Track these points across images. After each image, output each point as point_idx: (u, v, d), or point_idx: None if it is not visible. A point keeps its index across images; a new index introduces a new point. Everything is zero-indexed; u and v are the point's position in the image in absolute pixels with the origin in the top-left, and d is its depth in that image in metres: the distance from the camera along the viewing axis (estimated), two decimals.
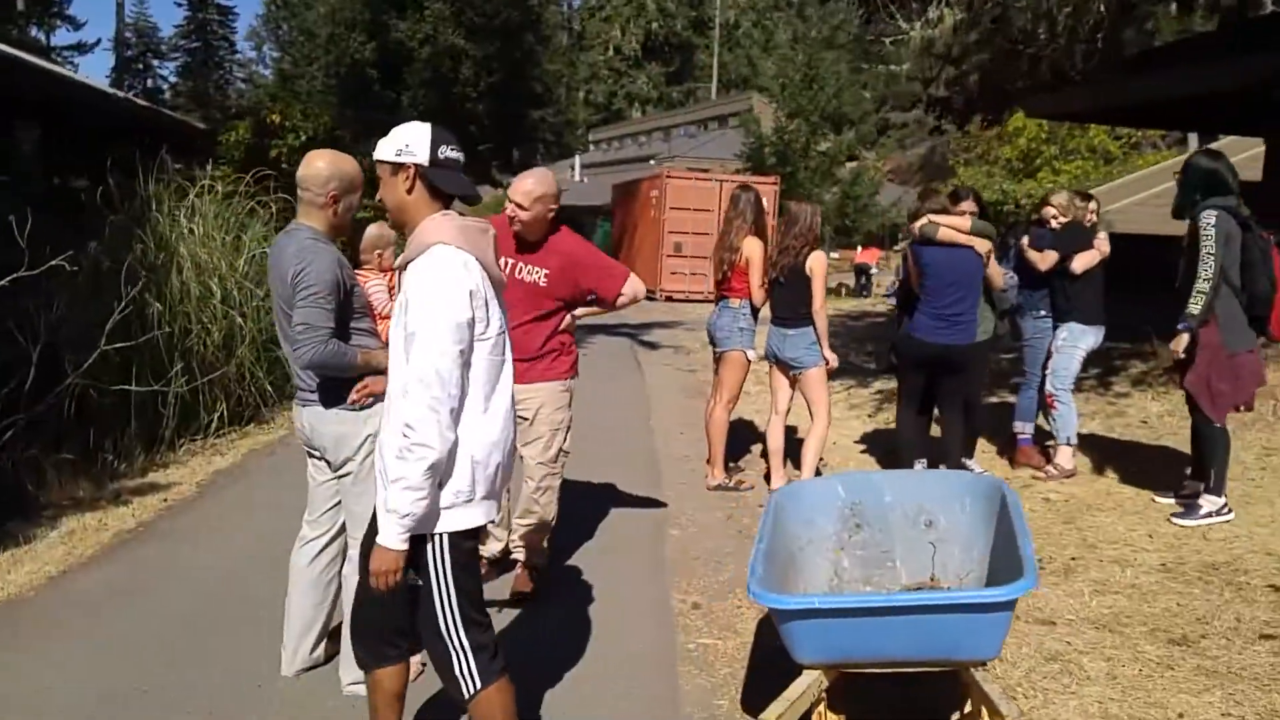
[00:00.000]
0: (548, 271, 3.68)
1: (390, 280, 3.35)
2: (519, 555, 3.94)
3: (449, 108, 21.08)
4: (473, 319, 2.10)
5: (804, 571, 2.83)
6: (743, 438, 6.58)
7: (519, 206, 3.60)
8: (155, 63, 58.20)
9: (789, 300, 5.08)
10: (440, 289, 2.08)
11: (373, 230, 3.40)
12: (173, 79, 57.80)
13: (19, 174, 11.76)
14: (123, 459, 6.07)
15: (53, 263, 5.22)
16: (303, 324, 2.77)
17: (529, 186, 3.61)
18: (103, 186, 7.17)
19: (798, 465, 5.44)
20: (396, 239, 3.34)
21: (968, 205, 5.07)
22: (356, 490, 2.98)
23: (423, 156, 2.19)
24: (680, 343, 12.62)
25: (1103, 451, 5.78)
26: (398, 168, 2.21)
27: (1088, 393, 6.96)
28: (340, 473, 3.02)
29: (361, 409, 2.95)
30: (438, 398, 2.03)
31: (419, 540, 2.16)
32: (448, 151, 2.22)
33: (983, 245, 4.74)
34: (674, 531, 4.78)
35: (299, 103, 14.61)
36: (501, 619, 3.64)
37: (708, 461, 5.90)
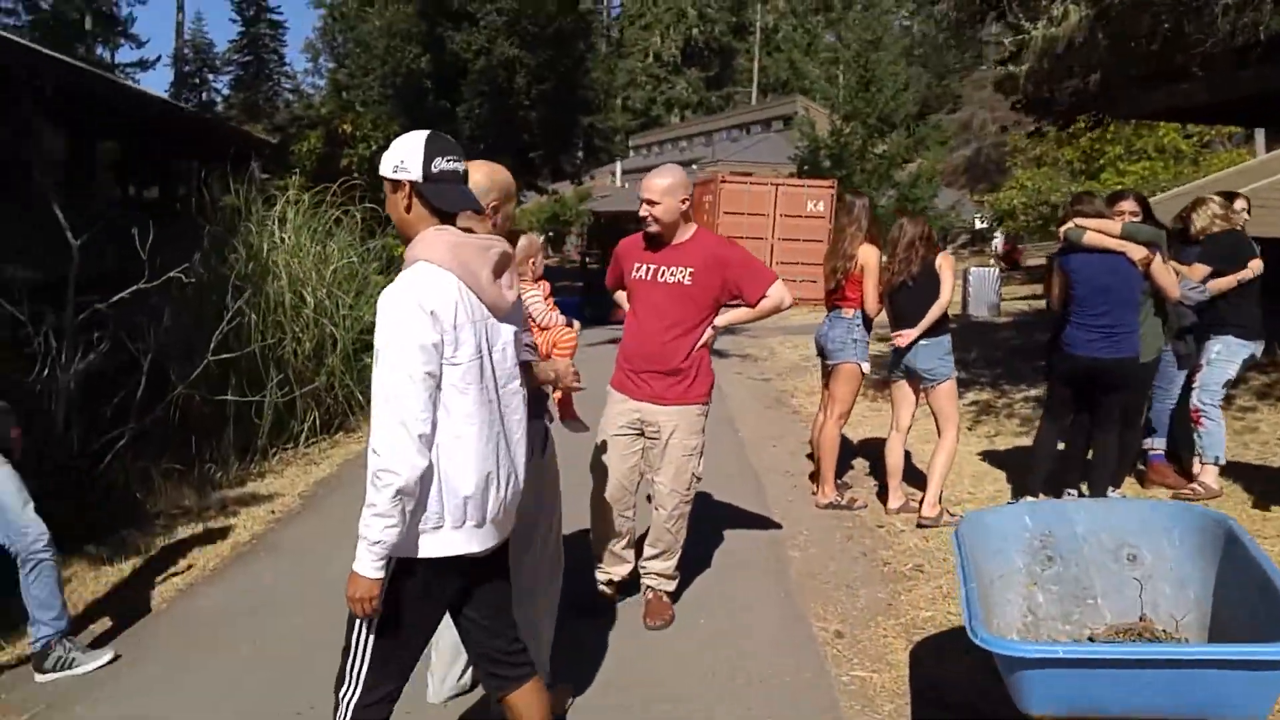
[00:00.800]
0: (692, 270, 3.52)
1: (546, 290, 3.25)
2: (650, 583, 3.82)
3: (503, 117, 21.09)
4: (439, 342, 1.99)
5: (995, 608, 2.67)
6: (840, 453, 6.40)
7: (651, 203, 3.46)
8: (210, 77, 59.23)
9: (919, 307, 4.83)
10: (400, 308, 1.99)
11: (523, 240, 3.31)
12: (225, 92, 58.80)
13: (99, 186, 11.98)
14: (219, 467, 6.08)
15: (171, 274, 5.21)
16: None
17: (659, 181, 3.47)
18: (192, 196, 7.22)
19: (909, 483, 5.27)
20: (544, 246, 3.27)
21: (1127, 207, 4.69)
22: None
23: (416, 172, 2.09)
24: (746, 351, 12.47)
25: (1244, 472, 5.44)
26: (396, 184, 2.12)
27: None
28: None
29: None
30: (403, 420, 1.95)
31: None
32: (443, 164, 2.10)
33: (1136, 251, 4.36)
34: (794, 553, 4.63)
35: (354, 112, 14.68)
36: (641, 648, 3.53)
37: (811, 477, 5.76)
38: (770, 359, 11.61)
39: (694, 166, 38.04)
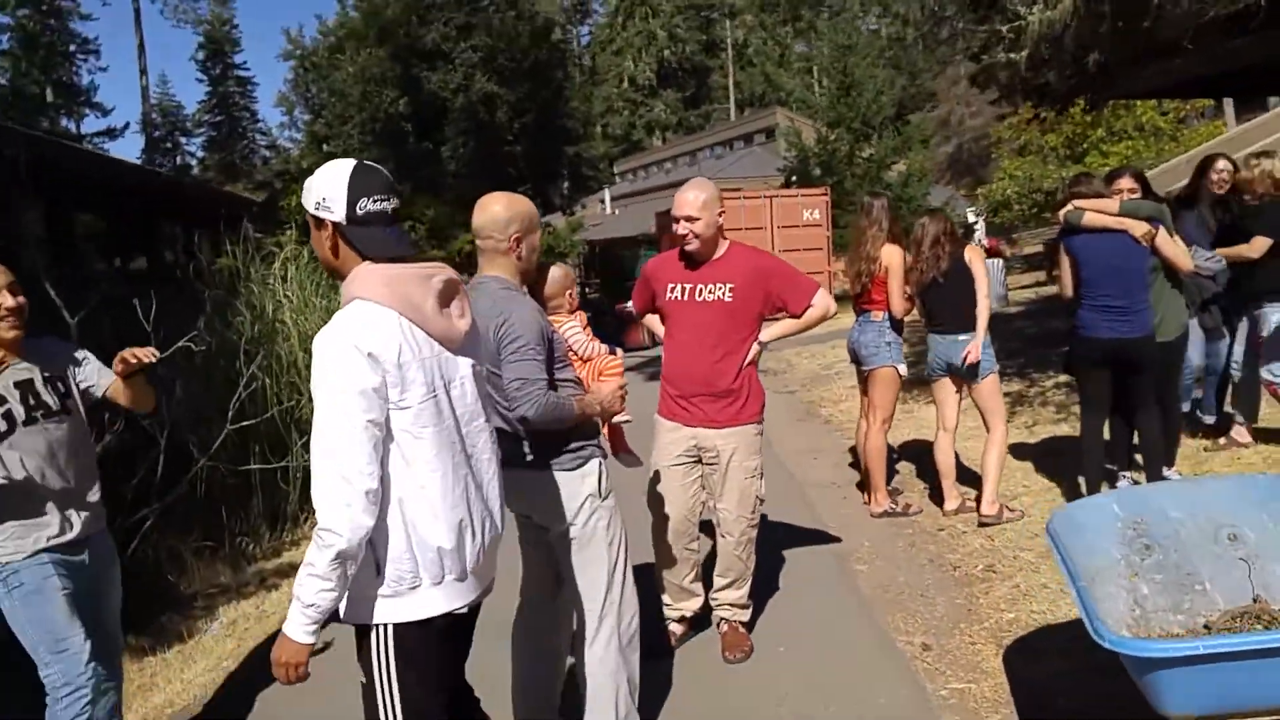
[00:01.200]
0: (733, 285, 3.38)
1: (583, 320, 3.13)
2: (724, 614, 3.66)
3: (487, 152, 21.09)
4: (380, 384, 1.83)
5: (1100, 604, 2.52)
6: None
7: (689, 220, 3.32)
8: (182, 140, 59.40)
9: (954, 303, 4.73)
10: (335, 352, 1.83)
11: (556, 271, 3.17)
12: (199, 154, 58.94)
13: (84, 259, 11.86)
14: (251, 539, 5.91)
15: (180, 344, 5.07)
16: (519, 379, 2.54)
17: (694, 196, 3.33)
18: (179, 262, 7.10)
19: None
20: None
21: (1125, 184, 4.58)
22: (583, 557, 2.75)
23: (340, 213, 1.92)
24: (764, 366, 12.32)
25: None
26: (319, 222, 1.96)
27: None
28: (556, 539, 2.77)
29: (577, 467, 2.73)
30: (345, 475, 1.79)
31: (362, 632, 1.96)
32: (369, 206, 1.91)
33: (1138, 228, 4.26)
34: (859, 566, 4.48)
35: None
36: (723, 683, 3.38)
37: (860, 487, 5.62)
38: (789, 371, 11.47)
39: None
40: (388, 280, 1.92)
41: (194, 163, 57.81)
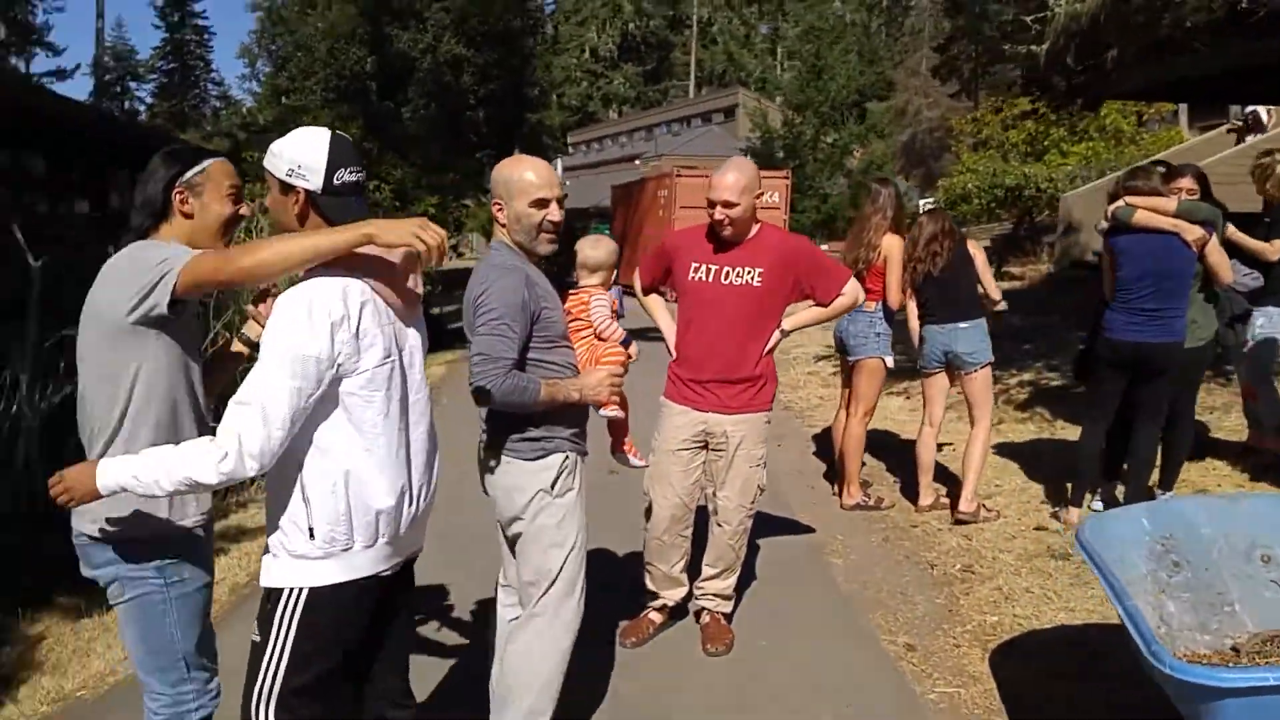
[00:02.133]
0: (762, 270, 3.24)
1: (614, 302, 2.89)
2: (708, 604, 3.57)
3: (450, 116, 20.61)
4: (330, 355, 1.82)
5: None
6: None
7: (727, 205, 3.15)
8: (132, 85, 57.06)
9: (955, 292, 4.65)
10: (291, 316, 1.82)
11: (591, 249, 2.90)
12: (149, 100, 56.70)
13: (28, 204, 11.27)
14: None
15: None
16: (479, 354, 2.40)
17: (734, 179, 3.15)
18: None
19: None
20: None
21: (1185, 184, 4.36)
22: (524, 554, 2.60)
23: (315, 182, 1.91)
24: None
25: None
26: (287, 188, 1.93)
27: None
28: (509, 532, 2.65)
29: (536, 458, 2.55)
30: (265, 420, 1.77)
31: (273, 594, 1.92)
32: (345, 175, 1.93)
33: (1191, 232, 4.05)
34: (835, 560, 4.43)
35: (310, 114, 14.15)
36: (704, 676, 3.29)
37: (827, 477, 5.58)
38: None
39: (636, 162, 37.82)
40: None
41: (142, 109, 55.65)
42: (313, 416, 1.86)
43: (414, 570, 2.23)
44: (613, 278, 2.91)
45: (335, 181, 1.91)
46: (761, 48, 50.48)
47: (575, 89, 56.20)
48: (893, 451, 6.23)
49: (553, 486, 2.54)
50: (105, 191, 13.53)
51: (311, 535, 1.89)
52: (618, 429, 2.93)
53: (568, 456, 2.58)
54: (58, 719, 3.23)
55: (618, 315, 2.88)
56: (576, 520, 2.60)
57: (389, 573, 2.01)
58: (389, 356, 1.93)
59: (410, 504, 2.01)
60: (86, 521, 2.03)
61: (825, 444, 6.36)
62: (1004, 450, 5.87)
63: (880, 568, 4.31)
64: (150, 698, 2.21)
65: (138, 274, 1.95)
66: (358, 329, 1.86)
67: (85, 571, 2.12)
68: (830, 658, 3.42)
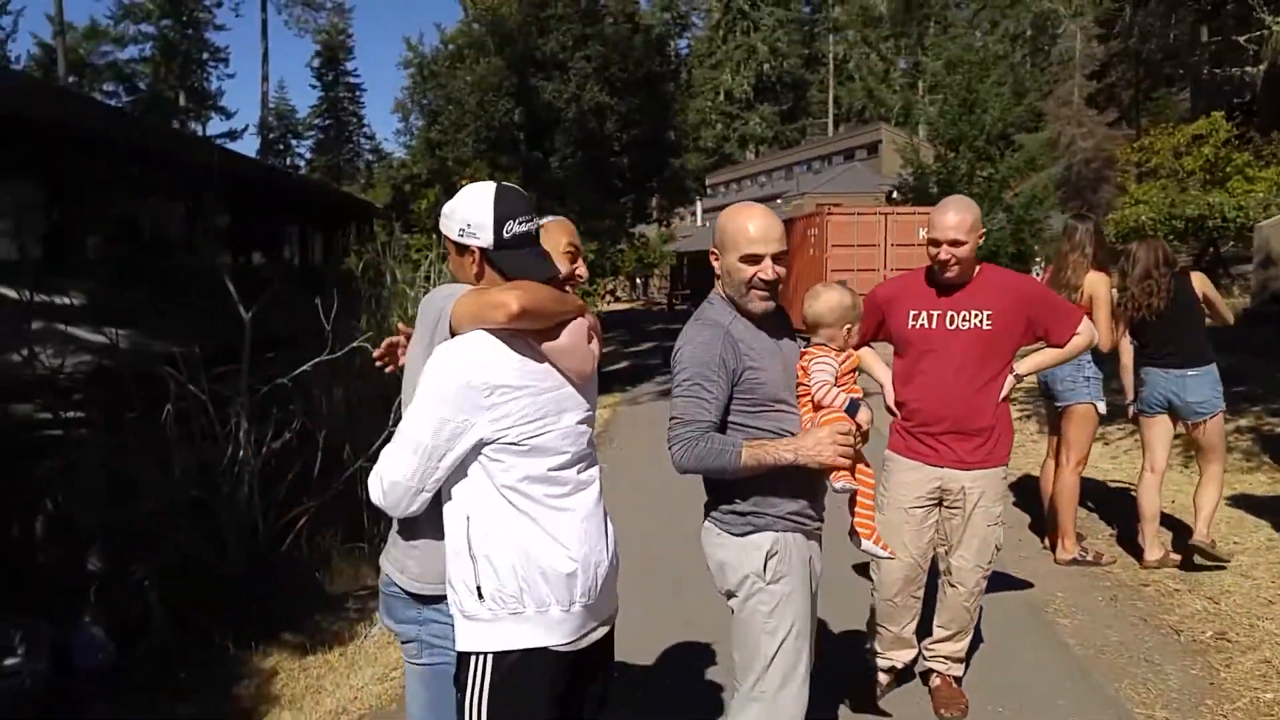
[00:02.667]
0: (991, 312, 3.06)
1: (847, 363, 2.48)
2: (939, 667, 3.38)
3: (595, 164, 21.15)
4: (467, 417, 1.82)
5: None
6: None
7: (954, 244, 2.99)
8: (293, 142, 61.65)
9: (1180, 333, 4.35)
10: (442, 378, 1.83)
11: (831, 298, 2.52)
12: (308, 155, 61.06)
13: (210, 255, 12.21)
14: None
15: (354, 345, 5.05)
16: (674, 416, 2.27)
17: (959, 218, 2.98)
18: (294, 260, 7.14)
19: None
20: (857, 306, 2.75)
21: None
22: (737, 634, 2.42)
23: (486, 238, 1.91)
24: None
25: None
26: (462, 248, 1.95)
27: None
28: (729, 603, 2.45)
29: (745, 534, 2.35)
30: (396, 471, 1.83)
31: (463, 659, 1.89)
32: (515, 228, 1.91)
33: None
34: (1061, 620, 4.13)
35: (471, 167, 14.84)
36: None
37: (1033, 529, 5.24)
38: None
39: (778, 201, 37.69)
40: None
41: (302, 163, 59.94)
42: (465, 473, 1.87)
43: (612, 640, 2.11)
44: (851, 338, 2.55)
45: (505, 235, 1.90)
46: (901, 82, 49.57)
47: (711, 131, 56.71)
48: (1100, 501, 5.82)
49: (764, 569, 2.34)
50: (280, 244, 14.53)
51: (480, 596, 1.85)
52: (858, 507, 2.44)
53: (780, 537, 2.36)
54: None
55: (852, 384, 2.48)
56: (794, 608, 2.36)
57: (577, 643, 1.93)
58: (544, 420, 1.88)
59: (585, 571, 1.92)
60: (398, 573, 2.01)
61: (1025, 491, 6.02)
62: (1238, 503, 5.37)
63: (1114, 630, 3.99)
64: None
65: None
66: (514, 387, 1.84)
67: (385, 621, 2.13)
68: None
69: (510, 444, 1.85)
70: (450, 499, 1.90)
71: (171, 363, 5.12)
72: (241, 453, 5.19)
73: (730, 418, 2.32)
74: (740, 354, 2.32)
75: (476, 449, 1.86)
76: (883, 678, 3.40)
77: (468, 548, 1.86)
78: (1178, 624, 3.98)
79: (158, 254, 8.21)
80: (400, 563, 2.02)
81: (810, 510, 2.42)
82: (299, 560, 5.38)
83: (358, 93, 63.24)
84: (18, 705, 3.71)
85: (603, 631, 2.03)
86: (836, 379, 2.43)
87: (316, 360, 5.16)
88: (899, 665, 3.39)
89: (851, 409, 2.35)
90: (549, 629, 1.88)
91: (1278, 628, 3.77)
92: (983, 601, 4.20)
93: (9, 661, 3.79)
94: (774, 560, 2.35)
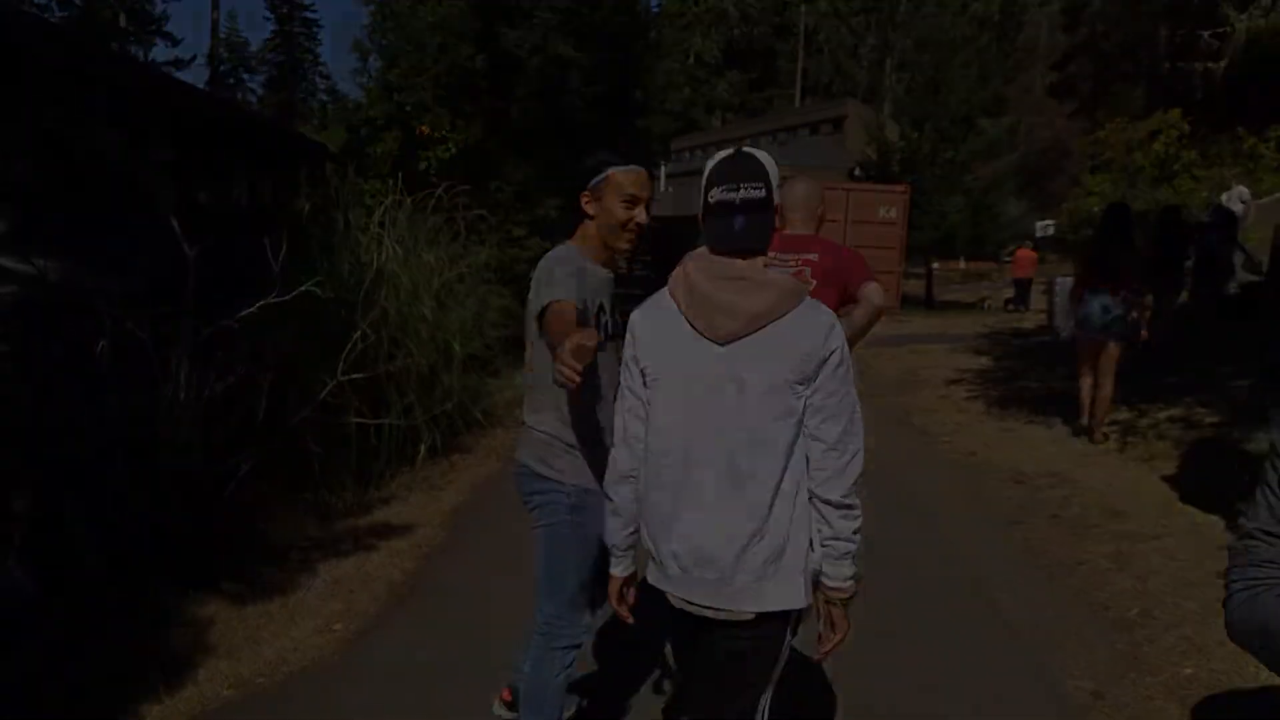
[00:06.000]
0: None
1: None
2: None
3: (556, 119, 20.75)
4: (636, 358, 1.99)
5: None
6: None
7: None
8: (245, 76, 59.61)
9: None
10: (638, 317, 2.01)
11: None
12: (259, 91, 59.11)
13: (157, 191, 11.77)
14: (333, 493, 5.76)
15: (303, 288, 4.91)
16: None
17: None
18: (241, 199, 6.91)
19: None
20: None
21: None
22: None
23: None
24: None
25: None
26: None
27: None
28: None
29: None
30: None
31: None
32: (719, 195, 1.93)
33: None
34: (1000, 596, 4.23)
35: (433, 112, 14.45)
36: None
37: (986, 511, 5.34)
38: (868, 373, 11.16)
39: None
40: (689, 268, 1.96)
41: (254, 99, 58.02)
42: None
43: None
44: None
45: (710, 199, 1.94)
46: (870, 59, 49.57)
47: (678, 94, 56.13)
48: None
49: None
50: (228, 182, 14.02)
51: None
52: None
53: None
54: (240, 703, 3.28)
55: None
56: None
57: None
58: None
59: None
60: (527, 455, 2.46)
61: (965, 466, 6.15)
62: (1169, 486, 5.55)
63: (1049, 606, 4.10)
64: (539, 612, 2.51)
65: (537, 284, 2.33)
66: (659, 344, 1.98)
67: (521, 494, 2.51)
68: (1008, 699, 3.25)
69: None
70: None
71: (108, 299, 4.91)
72: (183, 395, 5.02)
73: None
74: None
75: None
76: None
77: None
78: (1107, 601, 4.11)
79: (95, 184, 7.87)
80: (534, 452, 2.46)
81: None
82: (240, 508, 5.25)
83: (314, 29, 61.28)
84: None
85: None
86: None
87: (262, 303, 4.98)
88: None
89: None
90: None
91: (1198, 606, 3.90)
92: (925, 578, 4.38)
93: None
94: None
